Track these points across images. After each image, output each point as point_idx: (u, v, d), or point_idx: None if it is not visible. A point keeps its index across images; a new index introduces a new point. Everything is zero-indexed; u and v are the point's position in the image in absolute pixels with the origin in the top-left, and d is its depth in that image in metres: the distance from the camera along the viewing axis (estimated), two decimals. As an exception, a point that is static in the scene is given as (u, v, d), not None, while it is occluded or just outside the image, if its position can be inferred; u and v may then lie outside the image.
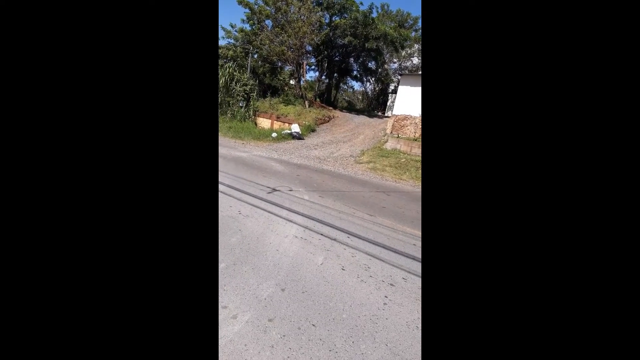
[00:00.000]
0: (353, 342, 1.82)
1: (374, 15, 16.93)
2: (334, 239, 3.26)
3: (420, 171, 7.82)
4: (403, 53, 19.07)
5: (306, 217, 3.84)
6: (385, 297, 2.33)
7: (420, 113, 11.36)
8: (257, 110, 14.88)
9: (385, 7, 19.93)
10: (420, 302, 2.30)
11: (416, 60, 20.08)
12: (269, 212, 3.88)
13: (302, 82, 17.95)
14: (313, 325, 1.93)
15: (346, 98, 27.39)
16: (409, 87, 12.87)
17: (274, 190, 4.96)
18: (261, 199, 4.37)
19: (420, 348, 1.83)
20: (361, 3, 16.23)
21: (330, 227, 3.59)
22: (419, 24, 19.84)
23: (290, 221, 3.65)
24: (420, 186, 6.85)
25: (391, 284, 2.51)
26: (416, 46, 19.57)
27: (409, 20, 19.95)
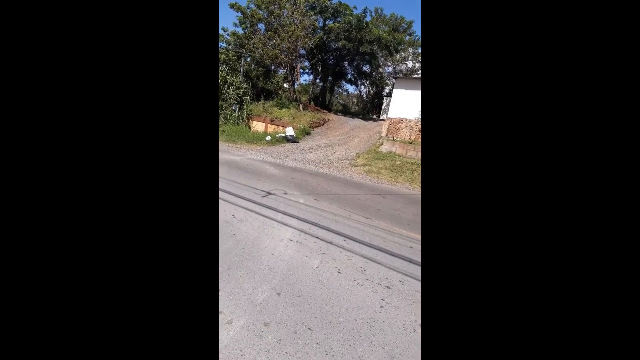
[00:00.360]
0: (350, 345, 1.80)
1: (368, 19, 17.09)
2: (330, 242, 3.24)
3: (415, 174, 7.86)
4: (397, 57, 19.28)
5: (301, 220, 3.82)
6: (382, 300, 2.31)
7: (416, 116, 11.47)
8: (251, 114, 14.84)
9: (379, 11, 20.20)
10: (417, 305, 2.29)
11: (410, 63, 20.33)
12: (263, 215, 3.85)
13: (296, 86, 17.97)
14: (309, 329, 1.90)
15: (341, 101, 27.55)
16: (403, 90, 13.00)
17: (269, 193, 4.93)
18: (256, 202, 4.34)
19: (418, 351, 1.82)
20: (355, 7, 16.37)
21: (326, 230, 3.58)
22: (413, 27, 20.14)
23: (286, 225, 3.62)
24: (416, 189, 6.88)
25: (388, 287, 2.50)
26: (410, 50, 19.82)
27: (402, 24, 20.21)
